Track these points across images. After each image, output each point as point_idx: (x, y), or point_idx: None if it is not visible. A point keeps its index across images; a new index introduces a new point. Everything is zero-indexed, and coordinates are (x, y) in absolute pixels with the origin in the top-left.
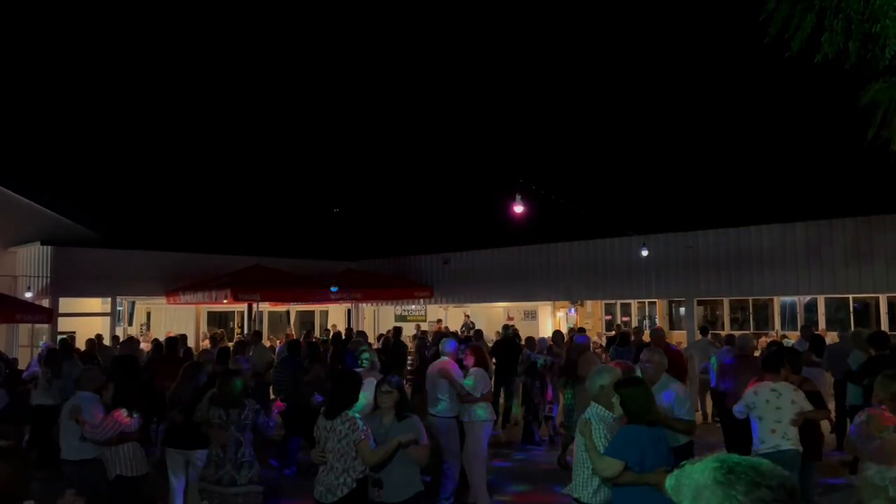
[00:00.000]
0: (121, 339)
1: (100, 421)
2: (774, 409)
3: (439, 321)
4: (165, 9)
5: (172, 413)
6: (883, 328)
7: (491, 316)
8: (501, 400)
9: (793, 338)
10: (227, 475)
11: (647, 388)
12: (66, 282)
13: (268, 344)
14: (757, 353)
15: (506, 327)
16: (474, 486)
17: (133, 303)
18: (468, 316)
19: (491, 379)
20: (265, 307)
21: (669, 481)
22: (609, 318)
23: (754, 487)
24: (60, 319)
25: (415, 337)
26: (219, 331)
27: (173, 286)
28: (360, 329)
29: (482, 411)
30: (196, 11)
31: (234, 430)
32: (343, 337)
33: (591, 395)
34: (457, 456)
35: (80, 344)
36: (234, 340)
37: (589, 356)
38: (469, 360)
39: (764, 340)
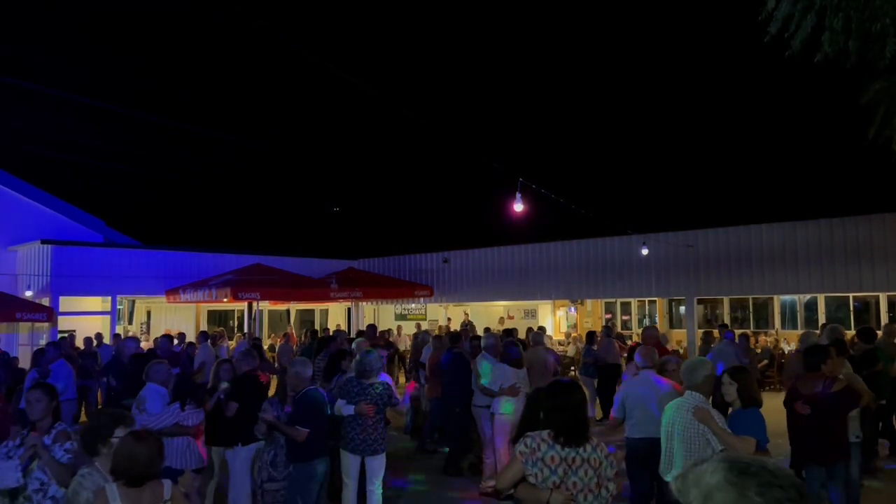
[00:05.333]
0: (122, 338)
1: (158, 412)
2: None
3: (450, 319)
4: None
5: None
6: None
7: (491, 315)
8: None
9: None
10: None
11: (747, 377)
12: (67, 280)
13: (267, 343)
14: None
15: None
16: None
17: (133, 301)
18: (467, 314)
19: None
20: (265, 306)
21: (675, 483)
22: (609, 316)
23: (769, 487)
24: (60, 318)
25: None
26: (218, 329)
27: (173, 285)
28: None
29: (506, 405)
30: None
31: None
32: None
33: (691, 384)
34: (489, 444)
35: (80, 344)
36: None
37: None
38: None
39: (764, 340)
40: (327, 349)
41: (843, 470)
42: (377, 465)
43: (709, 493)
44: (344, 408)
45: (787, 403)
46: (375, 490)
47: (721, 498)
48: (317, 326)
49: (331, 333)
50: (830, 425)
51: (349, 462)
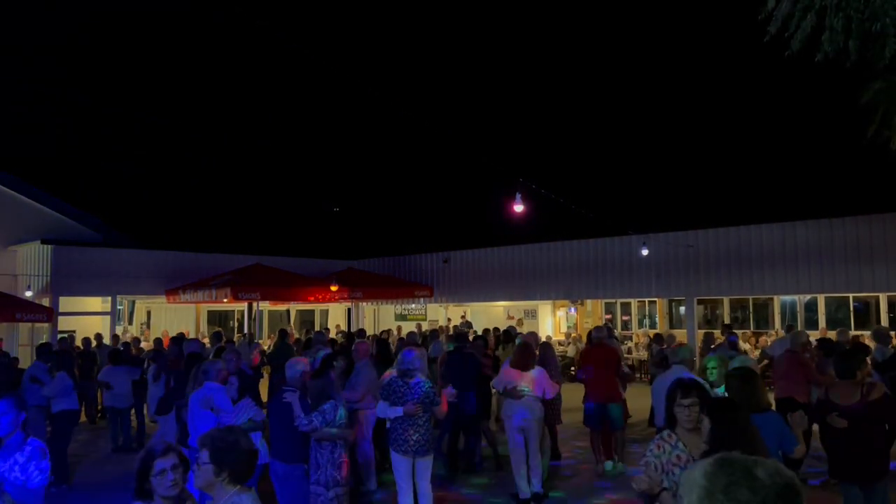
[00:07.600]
0: (121, 338)
1: (231, 409)
2: None
3: (450, 319)
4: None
5: None
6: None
7: (491, 315)
8: None
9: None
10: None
11: (750, 381)
12: (67, 280)
13: (267, 343)
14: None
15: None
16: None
17: (133, 302)
18: (464, 316)
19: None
20: (265, 306)
21: (681, 478)
22: (609, 317)
23: (736, 487)
24: (60, 318)
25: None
26: (218, 329)
27: (173, 285)
28: (361, 328)
29: (506, 408)
30: (191, 11)
31: None
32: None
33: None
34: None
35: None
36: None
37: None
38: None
39: (764, 339)
40: (311, 350)
41: (883, 490)
42: (427, 465)
43: (690, 486)
44: (389, 410)
45: (818, 415)
46: (428, 485)
47: (697, 493)
48: (316, 327)
49: (332, 334)
50: (871, 439)
51: (401, 463)
